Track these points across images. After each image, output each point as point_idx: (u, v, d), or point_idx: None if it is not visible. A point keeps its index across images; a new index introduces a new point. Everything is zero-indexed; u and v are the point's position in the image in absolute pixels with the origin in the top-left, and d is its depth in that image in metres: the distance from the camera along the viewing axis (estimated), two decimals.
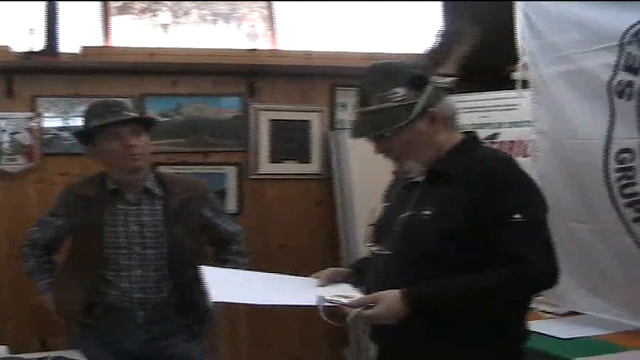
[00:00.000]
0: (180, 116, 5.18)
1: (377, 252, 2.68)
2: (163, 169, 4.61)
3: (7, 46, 4.69)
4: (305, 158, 5.41)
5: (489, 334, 2.51)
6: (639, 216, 3.40)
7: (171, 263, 3.53)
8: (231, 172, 5.27)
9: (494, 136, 4.65)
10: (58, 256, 3.75)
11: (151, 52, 4.95)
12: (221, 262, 3.72)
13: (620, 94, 3.43)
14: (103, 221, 3.51)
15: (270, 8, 5.39)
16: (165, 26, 5.20)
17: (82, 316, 3.55)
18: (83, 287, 3.52)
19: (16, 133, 4.89)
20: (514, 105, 4.52)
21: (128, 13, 5.14)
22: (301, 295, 2.64)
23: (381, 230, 2.73)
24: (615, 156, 3.48)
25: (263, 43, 5.31)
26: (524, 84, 4.07)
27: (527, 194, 2.56)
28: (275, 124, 5.33)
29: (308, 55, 5.19)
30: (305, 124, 5.41)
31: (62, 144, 4.96)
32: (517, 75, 4.09)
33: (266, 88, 5.35)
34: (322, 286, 2.76)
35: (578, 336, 3.63)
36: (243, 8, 5.36)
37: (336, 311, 2.48)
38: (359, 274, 2.84)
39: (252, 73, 5.26)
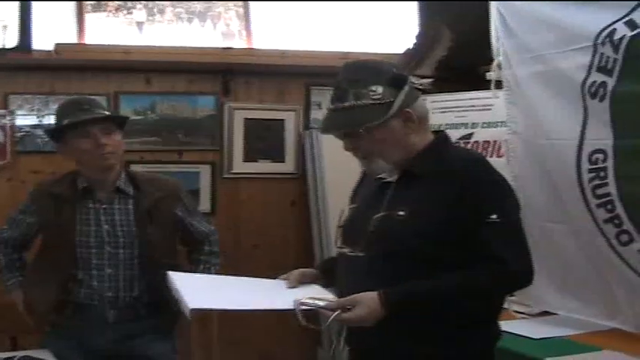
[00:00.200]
0: (155, 115, 5.15)
1: (349, 254, 2.66)
2: (137, 168, 4.61)
3: None
4: (279, 157, 5.40)
5: (462, 334, 2.52)
6: (610, 216, 3.41)
7: (142, 262, 3.50)
8: (205, 171, 5.24)
9: (469, 136, 4.66)
10: (28, 255, 3.71)
11: (126, 50, 4.91)
12: (194, 262, 3.73)
13: (594, 95, 3.44)
14: (73, 220, 3.48)
15: (245, 7, 5.36)
16: (140, 24, 5.16)
17: (52, 314, 3.52)
18: (53, 286, 3.49)
19: None
20: (489, 105, 4.53)
21: (103, 11, 5.09)
22: (276, 298, 2.61)
23: (351, 232, 2.71)
24: (588, 157, 3.49)
25: (238, 42, 5.28)
26: (499, 84, 4.07)
27: (502, 194, 2.57)
28: (249, 123, 5.31)
29: (283, 54, 5.17)
30: (280, 123, 5.39)
31: (35, 142, 4.91)
32: (491, 75, 4.09)
33: (241, 87, 5.33)
34: (292, 287, 2.74)
35: (549, 336, 3.64)
36: (218, 7, 5.33)
37: (313, 314, 2.47)
38: (327, 276, 2.83)
39: (226, 72, 5.24)
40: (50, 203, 3.54)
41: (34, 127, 4.92)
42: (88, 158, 3.46)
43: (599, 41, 3.39)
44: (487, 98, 4.43)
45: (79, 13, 5.04)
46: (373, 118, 2.56)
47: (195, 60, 5.03)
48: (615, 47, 3.32)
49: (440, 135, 2.72)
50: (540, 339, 3.61)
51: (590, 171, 3.48)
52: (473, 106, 4.66)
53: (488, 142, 4.51)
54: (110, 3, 5.10)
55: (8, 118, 4.86)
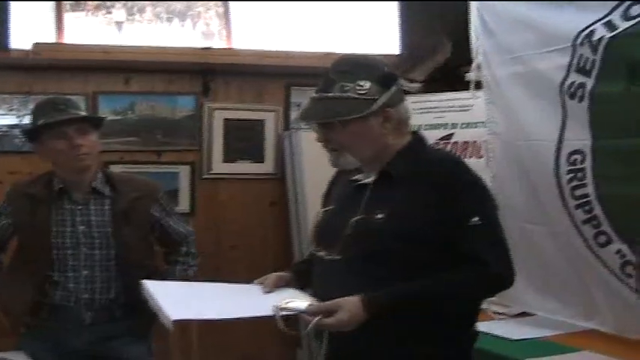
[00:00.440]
0: (134, 115, 5.13)
1: (325, 257, 2.63)
2: (116, 168, 4.59)
3: None
4: (259, 158, 5.38)
5: (441, 336, 2.51)
6: (589, 217, 3.41)
7: (118, 264, 3.48)
8: (184, 171, 5.22)
9: (449, 136, 4.66)
10: (3, 256, 3.66)
11: (105, 49, 4.89)
12: (171, 263, 3.71)
13: (572, 96, 3.45)
14: (49, 221, 3.45)
15: (225, 7, 5.35)
16: (119, 24, 5.14)
17: (27, 316, 3.49)
18: (29, 287, 3.46)
19: None
20: (468, 106, 4.53)
21: (82, 10, 5.06)
22: (255, 305, 2.57)
23: (326, 234, 2.68)
24: (566, 157, 3.49)
25: (218, 42, 5.26)
26: (478, 85, 4.06)
27: (481, 197, 2.57)
28: (229, 123, 5.29)
29: (263, 54, 5.16)
30: (259, 123, 5.37)
31: (13, 142, 4.88)
32: (471, 76, 4.08)
33: (220, 87, 5.31)
34: (268, 292, 2.70)
35: (528, 337, 3.65)
36: (198, 6, 5.31)
37: (293, 319, 2.45)
38: (301, 278, 2.79)
39: (206, 72, 5.22)
40: (26, 204, 3.51)
41: (12, 127, 4.88)
42: (64, 159, 3.43)
43: (578, 42, 3.39)
44: (466, 99, 4.43)
45: (57, 12, 5.01)
46: (353, 112, 2.53)
47: (175, 60, 5.02)
48: (594, 48, 3.33)
49: (415, 136, 2.69)
50: (519, 340, 3.62)
51: (569, 172, 3.48)
52: (452, 106, 4.65)
53: (467, 142, 4.51)
54: (89, 2, 5.08)
55: None
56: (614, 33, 3.25)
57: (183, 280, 3.58)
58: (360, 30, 5.36)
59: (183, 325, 4.70)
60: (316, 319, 2.40)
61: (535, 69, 3.66)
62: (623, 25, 3.24)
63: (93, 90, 5.04)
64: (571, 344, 3.52)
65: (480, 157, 4.25)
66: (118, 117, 5.09)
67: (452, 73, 4.49)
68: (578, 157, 3.44)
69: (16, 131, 4.84)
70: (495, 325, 3.80)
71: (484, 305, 3.75)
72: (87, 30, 5.04)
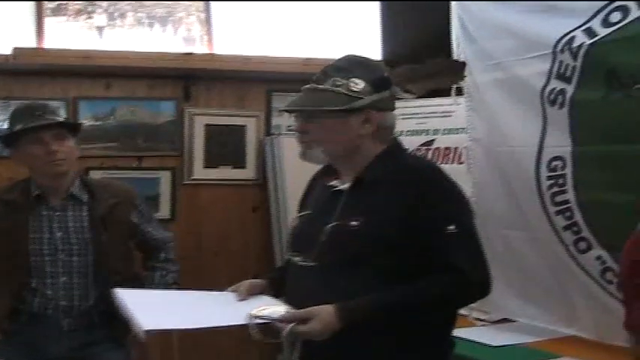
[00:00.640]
0: (114, 120, 5.09)
1: (299, 263, 2.61)
2: (96, 174, 4.56)
3: None
4: (240, 164, 5.35)
5: (417, 344, 2.49)
6: (569, 224, 3.43)
7: (97, 270, 3.45)
8: (165, 177, 5.18)
9: (430, 142, 4.64)
10: None
11: (85, 54, 4.86)
12: (149, 269, 3.69)
13: (553, 102, 3.46)
14: (26, 227, 3.42)
15: (207, 12, 5.34)
16: (100, 29, 5.11)
17: (5, 323, 3.46)
18: (6, 294, 3.43)
19: None
20: (450, 112, 4.51)
21: (63, 15, 5.03)
22: (230, 313, 2.54)
23: (302, 240, 2.67)
24: (547, 164, 3.50)
25: (200, 48, 5.25)
26: (459, 91, 4.07)
27: (458, 204, 2.56)
28: (210, 128, 5.26)
29: (245, 59, 5.13)
30: (241, 129, 5.34)
31: None
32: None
33: (202, 92, 5.28)
34: (242, 300, 2.68)
35: (508, 343, 3.64)
36: (180, 12, 5.29)
37: (268, 327, 2.43)
38: (275, 285, 2.77)
39: (187, 77, 5.19)
40: (2, 210, 3.48)
41: None
42: (40, 165, 3.41)
43: (559, 49, 3.41)
44: (448, 105, 4.42)
45: (38, 16, 4.97)
46: (332, 105, 2.53)
47: (156, 65, 4.98)
48: (574, 55, 3.35)
49: (392, 142, 2.67)
50: (499, 346, 3.61)
51: (549, 178, 3.49)
52: (434, 112, 4.64)
53: (449, 148, 4.50)
54: (70, 7, 5.04)
55: None
56: (594, 40, 3.28)
57: (163, 287, 3.58)
58: (342, 36, 5.36)
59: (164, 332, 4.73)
60: (290, 326, 2.38)
61: (516, 75, 3.67)
62: (602, 32, 3.26)
63: (73, 95, 4.99)
64: (551, 350, 3.51)
65: (461, 163, 4.24)
66: (99, 122, 5.04)
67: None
68: (558, 163, 3.45)
69: None
70: (476, 331, 3.80)
71: (465, 311, 3.78)
72: (68, 35, 5.00)
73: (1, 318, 3.45)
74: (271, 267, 4.96)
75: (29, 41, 4.91)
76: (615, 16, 3.24)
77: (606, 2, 3.28)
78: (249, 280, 2.78)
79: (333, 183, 2.67)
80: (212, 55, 5.23)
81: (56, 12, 5.03)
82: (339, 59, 2.65)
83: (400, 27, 5.29)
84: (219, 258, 5.25)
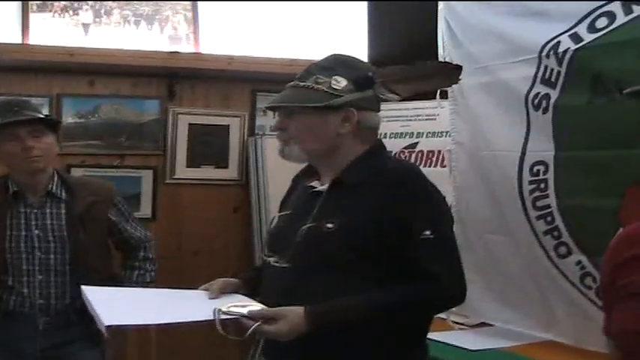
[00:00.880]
0: (98, 118, 5.06)
1: (273, 263, 2.58)
2: (77, 171, 4.54)
3: None
4: (223, 163, 5.32)
5: (390, 348, 2.45)
6: (549, 228, 3.42)
7: (74, 268, 3.42)
8: (147, 175, 5.15)
9: (414, 145, 4.64)
10: None
11: (70, 51, 4.82)
12: (128, 268, 3.67)
13: (537, 107, 3.45)
14: (4, 225, 3.40)
15: (194, 11, 5.32)
16: (86, 26, 5.08)
17: None
18: None
19: None
20: (434, 115, 4.51)
21: (48, 11, 5.00)
22: (197, 309, 2.48)
23: (278, 240, 2.63)
24: (529, 168, 3.49)
25: (186, 47, 5.23)
26: (444, 94, 4.06)
27: (436, 209, 2.52)
28: (194, 128, 5.24)
29: (230, 59, 5.12)
30: (224, 128, 5.32)
31: None
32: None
33: (186, 91, 5.26)
34: (214, 298, 2.61)
35: (486, 347, 3.62)
36: (166, 10, 5.27)
37: (234, 324, 2.39)
38: (251, 285, 2.72)
39: (172, 76, 5.17)
40: None
41: None
42: (16, 161, 3.39)
43: (544, 53, 3.41)
44: (432, 108, 4.41)
45: (23, 13, 4.94)
46: (311, 101, 2.51)
47: (141, 63, 4.96)
48: (559, 60, 3.34)
49: (374, 144, 2.63)
50: (476, 350, 3.59)
51: (531, 182, 3.48)
52: (418, 115, 4.64)
53: (432, 151, 4.49)
54: (56, 3, 5.01)
55: None
56: (579, 45, 3.27)
57: (141, 285, 3.56)
58: (329, 37, 5.34)
59: (141, 330, 4.71)
60: (255, 324, 2.34)
61: (501, 79, 3.66)
62: (588, 38, 3.25)
63: (57, 92, 4.97)
64: (529, 355, 3.49)
65: (445, 166, 4.23)
66: (82, 120, 5.02)
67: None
68: (540, 167, 3.44)
69: None
70: (454, 335, 3.78)
71: (443, 315, 3.78)
72: (53, 31, 4.97)
73: None
74: (251, 267, 4.94)
75: (15, 37, 4.87)
76: (601, 22, 3.23)
77: (593, 8, 3.27)
78: (222, 279, 2.73)
79: (313, 184, 2.63)
80: (197, 54, 5.21)
81: (42, 8, 5.00)
82: (325, 58, 2.63)
83: (387, 29, 5.29)
84: (199, 258, 5.22)
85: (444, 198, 2.62)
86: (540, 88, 3.44)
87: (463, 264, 2.53)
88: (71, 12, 5.07)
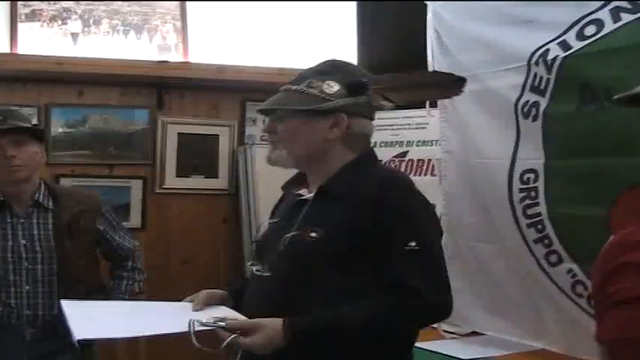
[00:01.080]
0: (86, 127, 5.04)
1: (256, 272, 2.52)
2: (66, 181, 4.51)
3: None
4: (212, 173, 5.31)
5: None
6: (540, 236, 3.40)
7: (61, 279, 3.40)
8: (136, 185, 5.13)
9: (404, 154, 4.62)
10: None
11: (58, 60, 4.81)
12: (116, 278, 3.65)
13: (526, 115, 3.45)
14: None
15: (183, 20, 5.31)
16: (75, 35, 5.06)
17: None
18: None
19: None
20: (424, 124, 4.50)
21: (37, 21, 4.99)
22: (175, 321, 2.41)
23: (264, 249, 2.59)
24: (519, 176, 3.48)
25: (175, 56, 5.21)
26: (434, 103, 4.05)
27: (423, 220, 2.45)
28: (183, 137, 5.23)
29: (219, 68, 5.11)
30: (214, 138, 5.31)
31: None
32: None
33: (175, 101, 5.25)
34: (198, 310, 2.54)
35: (477, 356, 3.61)
36: (155, 20, 5.26)
37: (212, 336, 2.32)
38: (238, 297, 2.64)
39: (161, 86, 5.16)
40: None
41: None
42: None
43: (533, 61, 3.40)
44: (422, 117, 4.41)
45: (12, 22, 4.92)
46: (299, 104, 2.47)
47: (129, 73, 4.95)
48: (548, 67, 3.33)
49: (365, 152, 2.59)
50: (468, 359, 3.58)
51: (522, 190, 3.47)
52: (408, 124, 4.63)
53: (422, 160, 4.48)
54: (45, 13, 5.00)
55: None
56: (568, 52, 3.26)
57: (129, 295, 3.54)
58: (318, 46, 5.34)
59: (131, 342, 4.69)
60: (232, 336, 2.27)
61: (490, 87, 3.65)
62: (577, 45, 3.25)
63: (45, 102, 4.95)
64: None
65: (435, 175, 4.23)
66: (71, 129, 5.00)
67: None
68: (530, 175, 3.43)
69: None
70: (445, 344, 3.76)
71: (434, 324, 3.75)
72: (42, 41, 4.95)
73: None
74: (240, 278, 4.92)
75: (3, 47, 4.85)
76: (590, 30, 3.23)
77: (581, 15, 3.27)
78: (206, 290, 2.65)
79: (301, 191, 2.59)
80: (186, 63, 5.20)
81: (30, 17, 4.98)
82: (320, 63, 2.59)
83: (376, 37, 5.28)
84: (188, 268, 5.21)
85: (434, 209, 2.58)
86: (530, 96, 3.43)
87: (453, 273, 2.50)
88: (60, 21, 5.05)
